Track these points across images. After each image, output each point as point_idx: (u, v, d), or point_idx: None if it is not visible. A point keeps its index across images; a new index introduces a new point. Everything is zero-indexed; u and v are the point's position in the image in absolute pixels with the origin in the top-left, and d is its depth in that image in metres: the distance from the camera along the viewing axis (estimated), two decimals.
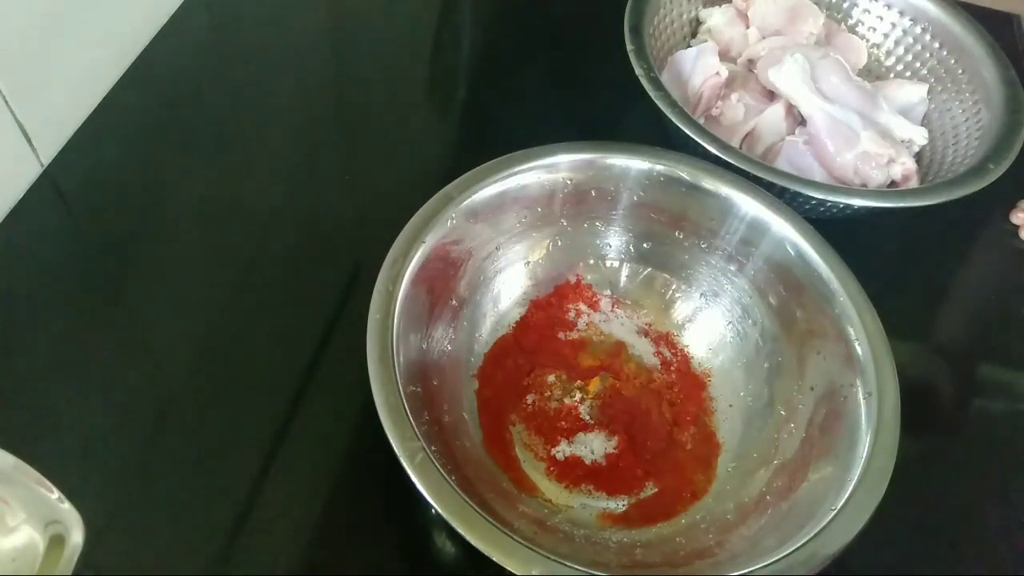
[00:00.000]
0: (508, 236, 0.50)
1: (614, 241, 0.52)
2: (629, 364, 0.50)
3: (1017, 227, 0.62)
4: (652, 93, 0.55)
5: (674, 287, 0.52)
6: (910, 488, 0.40)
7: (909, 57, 0.66)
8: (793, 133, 0.60)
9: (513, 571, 0.33)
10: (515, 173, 0.48)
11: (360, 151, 0.63)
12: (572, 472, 0.45)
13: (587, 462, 0.46)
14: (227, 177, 0.59)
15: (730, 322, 0.50)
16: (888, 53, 0.68)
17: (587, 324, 0.52)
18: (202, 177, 0.58)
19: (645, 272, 0.53)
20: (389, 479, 0.44)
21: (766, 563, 0.35)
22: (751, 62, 0.65)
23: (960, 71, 0.62)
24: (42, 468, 0.36)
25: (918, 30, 0.65)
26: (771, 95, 0.62)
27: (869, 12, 0.68)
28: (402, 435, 0.36)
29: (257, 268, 0.53)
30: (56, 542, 0.34)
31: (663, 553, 0.41)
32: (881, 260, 0.60)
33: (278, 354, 0.49)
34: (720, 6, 0.68)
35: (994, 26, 0.63)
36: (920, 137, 0.60)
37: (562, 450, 0.46)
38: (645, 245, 0.52)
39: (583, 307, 0.52)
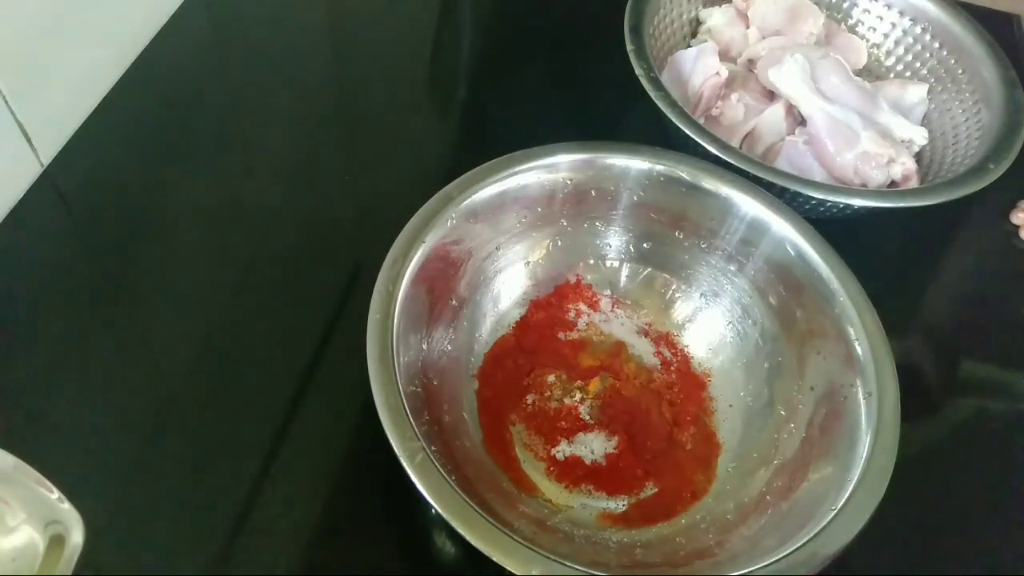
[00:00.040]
0: (508, 236, 0.50)
1: (614, 241, 0.52)
2: (629, 364, 0.50)
3: (1017, 227, 0.62)
4: (652, 93, 0.55)
5: (674, 287, 0.52)
6: (910, 488, 0.40)
7: (909, 57, 0.66)
8: (793, 133, 0.60)
9: (513, 571, 0.33)
10: (515, 173, 0.48)
11: (360, 151, 0.63)
12: (572, 472, 0.45)
13: (587, 462, 0.46)
14: (227, 177, 0.59)
15: (730, 322, 0.50)
16: (888, 53, 0.68)
17: (587, 324, 0.52)
18: (202, 177, 0.58)
19: (645, 272, 0.53)
20: (389, 479, 0.44)
21: (766, 563, 0.35)
22: (751, 62, 0.65)
23: (960, 71, 0.62)
24: (42, 468, 0.36)
25: (918, 30, 0.65)
26: (771, 95, 0.62)
27: (869, 12, 0.68)
28: (402, 435, 0.36)
29: (257, 268, 0.53)
30: (56, 542, 0.34)
31: (663, 553, 0.41)
32: (881, 260, 0.60)
33: (278, 354, 0.49)
34: (720, 6, 0.68)
35: (994, 26, 0.63)
36: (920, 137, 0.60)
37: (562, 450, 0.46)
38: (645, 245, 0.52)
39: (583, 307, 0.52)
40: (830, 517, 0.36)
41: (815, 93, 0.58)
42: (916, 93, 0.63)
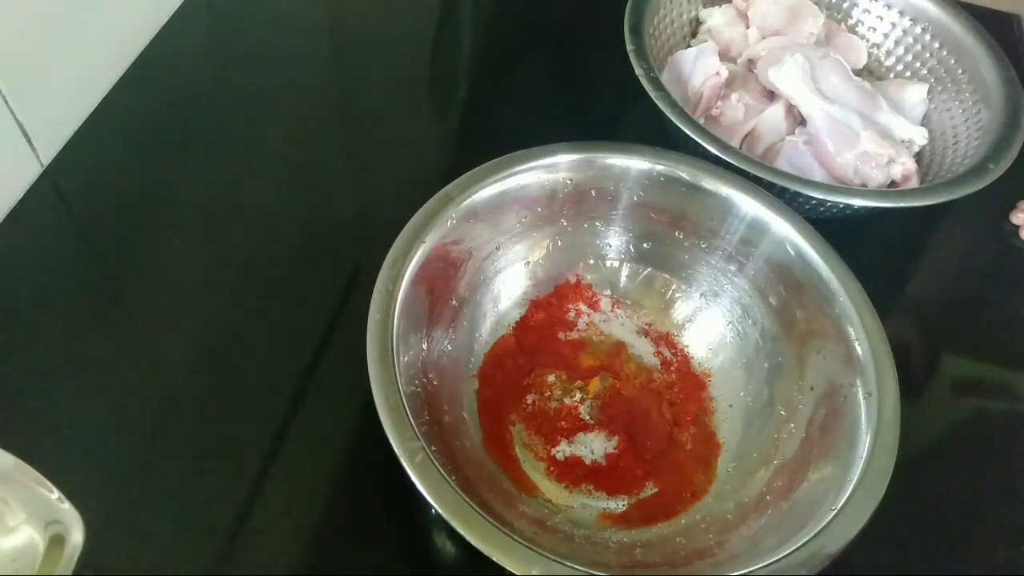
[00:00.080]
0: (508, 236, 0.50)
1: (614, 241, 0.52)
2: (629, 364, 0.50)
3: (1017, 227, 0.62)
4: (652, 93, 0.55)
5: (674, 287, 0.52)
6: (910, 488, 0.40)
7: (909, 57, 0.66)
8: (793, 133, 0.60)
9: (513, 571, 0.33)
10: (515, 173, 0.48)
11: (360, 151, 0.63)
12: (572, 472, 0.45)
13: (587, 462, 0.46)
14: (227, 177, 0.59)
15: (730, 322, 0.50)
16: (888, 53, 0.68)
17: (587, 324, 0.52)
18: (202, 177, 0.58)
19: (645, 272, 0.53)
20: (389, 479, 0.44)
21: (766, 563, 0.35)
22: (751, 62, 0.65)
23: (960, 71, 0.62)
24: (42, 468, 0.36)
25: (918, 30, 0.65)
26: (771, 95, 0.62)
27: (869, 12, 0.68)
28: (402, 435, 0.36)
29: (257, 268, 0.53)
30: (56, 542, 0.34)
31: (663, 553, 0.41)
32: (881, 260, 0.60)
33: (278, 354, 0.49)
34: (720, 6, 0.68)
35: (994, 26, 0.63)
36: (920, 137, 0.60)
37: (562, 450, 0.46)
38: (645, 245, 0.52)
39: (583, 307, 0.52)
40: (830, 517, 0.36)
41: (815, 93, 0.58)
42: (916, 93, 0.63)
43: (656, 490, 0.45)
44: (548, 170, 0.49)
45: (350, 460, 0.45)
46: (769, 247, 0.48)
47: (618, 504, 0.44)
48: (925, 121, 0.63)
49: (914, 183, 0.57)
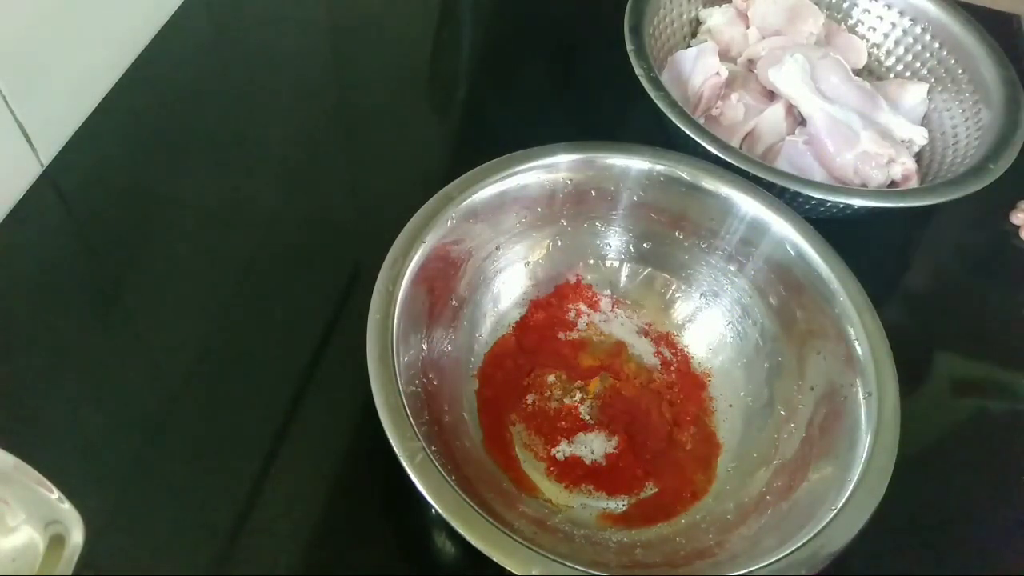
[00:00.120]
0: (508, 236, 0.50)
1: (614, 241, 0.52)
2: (629, 364, 0.50)
3: (1017, 227, 0.62)
4: (652, 93, 0.55)
5: (674, 287, 0.52)
6: (910, 488, 0.40)
7: (909, 57, 0.66)
8: (793, 133, 0.60)
9: (513, 571, 0.33)
10: (515, 173, 0.48)
11: (360, 151, 0.63)
12: (572, 472, 0.45)
13: (587, 462, 0.46)
14: (227, 177, 0.59)
15: (730, 322, 0.50)
16: (888, 53, 0.68)
17: (587, 324, 0.52)
18: (202, 177, 0.58)
19: (645, 272, 0.53)
20: (389, 479, 0.44)
21: (766, 563, 0.35)
22: (751, 62, 0.65)
23: (960, 71, 0.62)
24: (42, 468, 0.36)
25: (918, 30, 0.65)
26: (771, 95, 0.62)
27: (869, 12, 0.68)
28: (402, 435, 0.36)
29: (257, 268, 0.53)
30: (56, 542, 0.34)
31: (663, 553, 0.41)
32: (881, 260, 0.60)
33: (278, 354, 0.49)
34: (720, 6, 0.68)
35: (994, 26, 0.63)
36: (920, 137, 0.60)
37: (562, 450, 0.46)
38: (645, 245, 0.52)
39: (583, 307, 0.52)
40: (830, 517, 0.36)
41: (815, 93, 0.58)
42: (916, 93, 0.63)
43: (656, 490, 0.45)
44: (548, 170, 0.49)
45: (350, 460, 0.45)
46: (769, 247, 0.48)
47: (618, 504, 0.44)
48: (925, 121, 0.63)
49: (914, 183, 0.57)
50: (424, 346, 0.44)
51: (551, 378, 0.49)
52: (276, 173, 0.60)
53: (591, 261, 0.53)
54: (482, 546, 0.34)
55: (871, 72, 0.68)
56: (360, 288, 0.52)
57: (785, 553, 0.35)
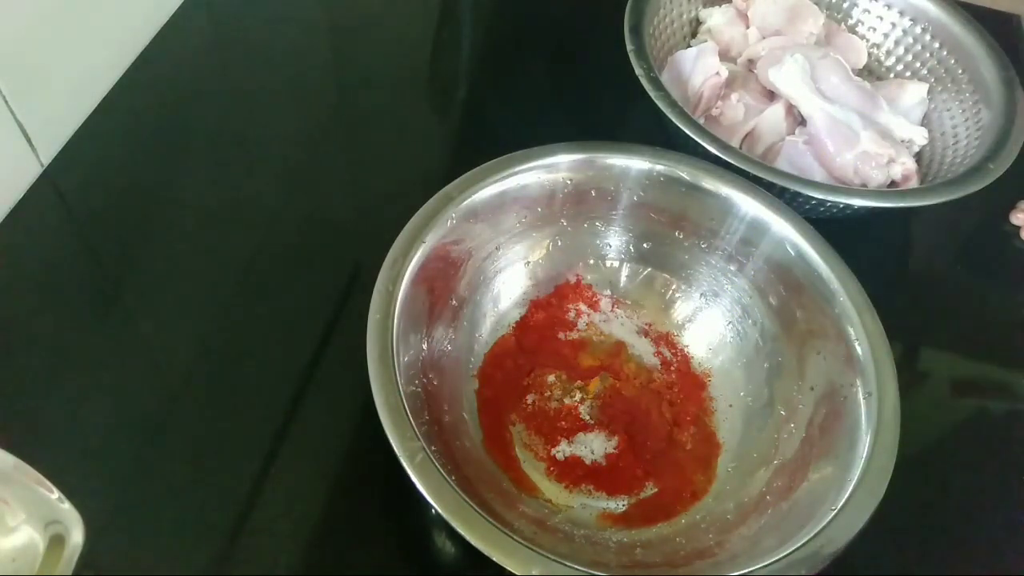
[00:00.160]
0: (508, 236, 0.50)
1: (614, 241, 0.52)
2: (629, 364, 0.50)
3: (1018, 227, 0.62)
4: (652, 93, 0.55)
5: (674, 287, 0.52)
6: (910, 488, 0.40)
7: (909, 57, 0.66)
8: (793, 133, 0.60)
9: (513, 571, 0.33)
10: (515, 173, 0.48)
11: (360, 151, 0.63)
12: (572, 472, 0.45)
13: (587, 462, 0.46)
14: (227, 177, 0.59)
15: (730, 322, 0.50)
16: (888, 53, 0.68)
17: (587, 324, 0.52)
18: (202, 177, 0.58)
19: (645, 272, 0.53)
20: (389, 479, 0.44)
21: (766, 563, 0.35)
22: (751, 62, 0.65)
23: (960, 71, 0.62)
24: (42, 468, 0.36)
25: (918, 30, 0.65)
26: (771, 95, 0.62)
27: (869, 12, 0.68)
28: (402, 435, 0.36)
29: (257, 268, 0.53)
30: (56, 542, 0.34)
31: (663, 553, 0.41)
32: (881, 260, 0.60)
33: (278, 354, 0.49)
34: (720, 6, 0.68)
35: (994, 26, 0.63)
36: (920, 137, 0.60)
37: (562, 450, 0.46)
38: (645, 245, 0.52)
39: (583, 307, 0.52)
40: (830, 517, 0.36)
41: (815, 93, 0.58)
42: (916, 93, 0.63)
43: (656, 490, 0.45)
44: (548, 170, 0.49)
45: (350, 460, 0.45)
46: (769, 247, 0.48)
47: (618, 504, 0.44)
48: (925, 121, 0.63)
49: (914, 183, 0.57)
50: (424, 346, 0.44)
51: (551, 378, 0.49)
52: (276, 173, 0.60)
53: (591, 261, 0.53)
54: (482, 546, 0.34)
55: (871, 72, 0.68)
56: (360, 288, 0.52)
57: (785, 553, 0.35)
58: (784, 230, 0.47)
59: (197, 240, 0.54)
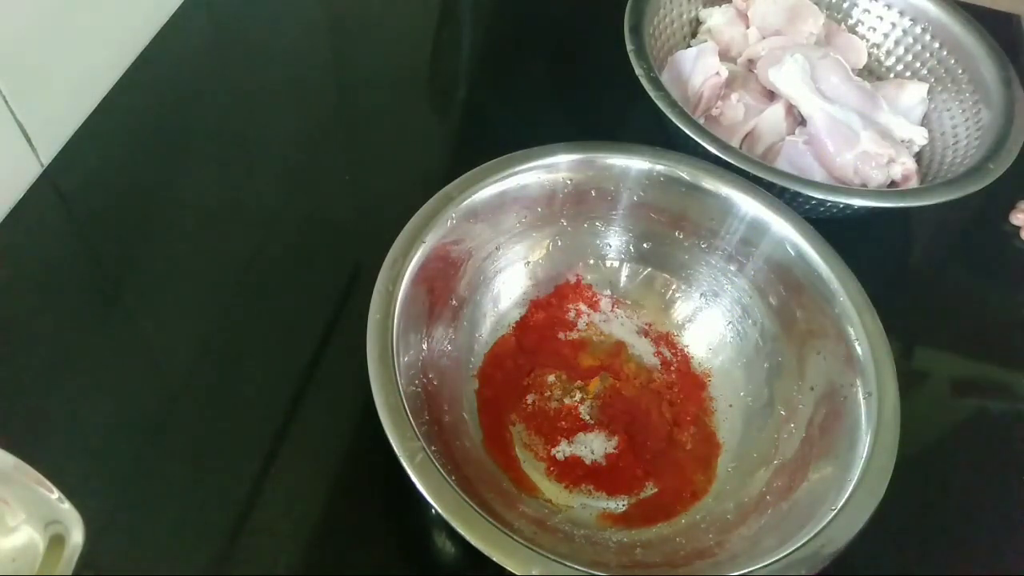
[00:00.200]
0: (508, 236, 0.50)
1: (614, 241, 0.52)
2: (629, 364, 0.50)
3: (1018, 228, 0.62)
4: (652, 93, 0.55)
5: (674, 287, 0.52)
6: (910, 488, 0.40)
7: (909, 57, 0.66)
8: (793, 133, 0.60)
9: (513, 571, 0.33)
10: (515, 173, 0.48)
11: (360, 151, 0.63)
12: (572, 472, 0.45)
13: (587, 462, 0.46)
14: (227, 177, 0.59)
15: (730, 322, 0.50)
16: (888, 53, 0.68)
17: (587, 324, 0.52)
18: (202, 177, 0.58)
19: (645, 272, 0.53)
20: (389, 479, 0.44)
21: (766, 563, 0.35)
22: (751, 62, 0.65)
23: (960, 71, 0.62)
24: (42, 468, 0.36)
25: (918, 30, 0.65)
26: (771, 95, 0.62)
27: (869, 12, 0.68)
28: (402, 435, 0.36)
29: (257, 268, 0.53)
30: (56, 542, 0.34)
31: (663, 553, 0.41)
32: (881, 260, 0.60)
33: (278, 354, 0.49)
34: (720, 6, 0.68)
35: (994, 26, 0.63)
36: (920, 137, 0.60)
37: (562, 450, 0.46)
38: (645, 245, 0.52)
39: (583, 307, 0.52)
40: (830, 517, 0.36)
41: (815, 93, 0.58)
42: (916, 93, 0.63)
43: (656, 490, 0.45)
44: (548, 170, 0.49)
45: (350, 460, 0.45)
46: (769, 247, 0.48)
47: (618, 504, 0.44)
48: (925, 121, 0.63)
49: (914, 183, 0.57)
50: (424, 346, 0.44)
51: (551, 378, 0.49)
52: (276, 173, 0.60)
53: (591, 261, 0.53)
54: (482, 546, 0.34)
55: (871, 72, 0.68)
56: (360, 288, 0.52)
57: (785, 553, 0.35)
58: (784, 230, 0.47)
59: (197, 240, 0.54)
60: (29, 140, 0.54)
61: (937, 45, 0.64)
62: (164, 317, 0.50)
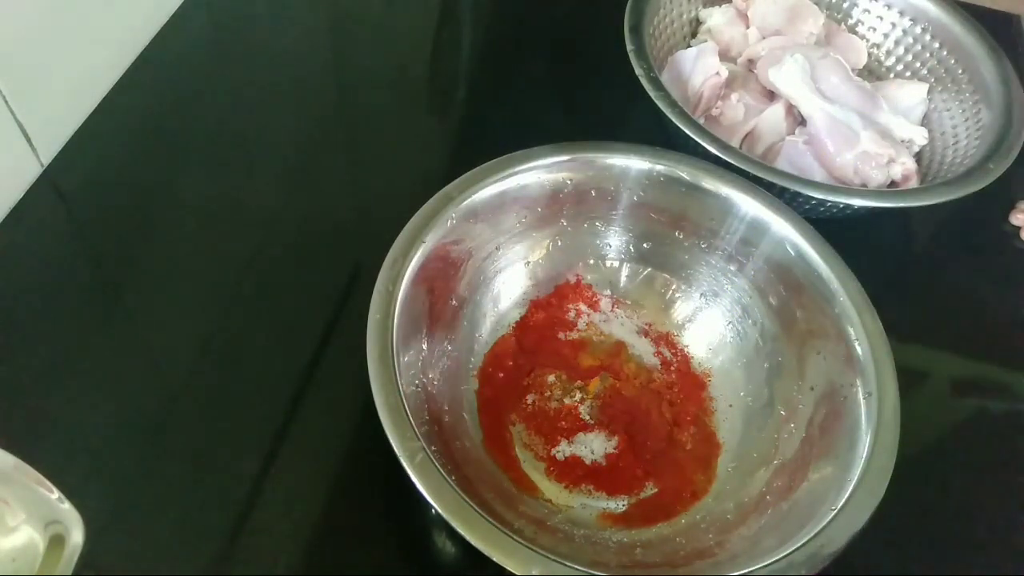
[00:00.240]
0: (508, 236, 0.50)
1: (614, 241, 0.52)
2: (629, 364, 0.50)
3: (1018, 228, 0.62)
4: (652, 93, 0.55)
5: (674, 287, 0.52)
6: (910, 488, 0.40)
7: (909, 57, 0.66)
8: (793, 133, 0.60)
9: (513, 571, 0.33)
10: (515, 173, 0.48)
11: (360, 151, 0.63)
12: (572, 472, 0.45)
13: (587, 462, 0.46)
14: (227, 177, 0.59)
15: (730, 322, 0.50)
16: (888, 53, 0.68)
17: (587, 324, 0.52)
18: (202, 177, 0.58)
19: (645, 272, 0.53)
20: (389, 479, 0.44)
21: (766, 563, 0.35)
22: (751, 62, 0.65)
23: (960, 71, 0.62)
24: (42, 468, 0.36)
25: (918, 30, 0.65)
26: (771, 95, 0.62)
27: (869, 12, 0.68)
28: (402, 435, 0.36)
29: (257, 268, 0.53)
30: (56, 542, 0.34)
31: (663, 553, 0.41)
32: (881, 260, 0.60)
33: (278, 354, 0.49)
34: (720, 6, 0.68)
35: (994, 26, 0.63)
36: (920, 137, 0.60)
37: (562, 450, 0.46)
38: (645, 245, 0.52)
39: (583, 307, 0.52)
40: (830, 517, 0.36)
41: (815, 93, 0.58)
42: (916, 93, 0.63)
43: (656, 490, 0.45)
44: (548, 170, 0.49)
45: (350, 460, 0.45)
46: (769, 247, 0.48)
47: (618, 504, 0.44)
48: (925, 121, 0.63)
49: (914, 183, 0.57)
50: (424, 346, 0.44)
51: (551, 378, 0.49)
52: (276, 173, 0.60)
53: (591, 261, 0.53)
54: (482, 546, 0.34)
55: (871, 72, 0.68)
56: (360, 288, 0.52)
57: (785, 553, 0.35)
58: (784, 230, 0.47)
59: (197, 240, 0.54)
60: (29, 140, 0.54)
61: (937, 45, 0.64)
62: (164, 317, 0.50)
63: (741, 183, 0.49)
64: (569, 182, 0.50)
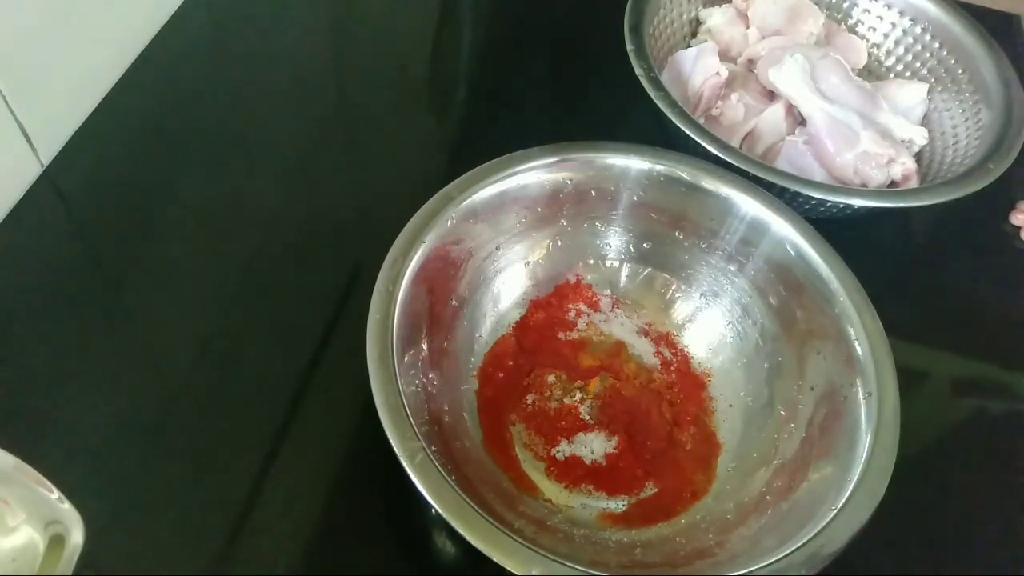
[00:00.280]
0: (508, 236, 0.50)
1: (614, 241, 0.52)
2: (629, 364, 0.50)
3: (1018, 228, 0.62)
4: (652, 93, 0.55)
5: (674, 287, 0.52)
6: (910, 488, 0.40)
7: (909, 57, 0.66)
8: (793, 133, 0.60)
9: (513, 571, 0.33)
10: (515, 173, 0.48)
11: (360, 151, 0.63)
12: (572, 472, 0.45)
13: (587, 462, 0.46)
14: (227, 177, 0.59)
15: (730, 322, 0.50)
16: (888, 53, 0.68)
17: (587, 324, 0.52)
18: (202, 177, 0.58)
19: (645, 272, 0.53)
20: (389, 479, 0.44)
21: (766, 563, 0.35)
22: (751, 62, 0.65)
23: (960, 71, 0.62)
24: (42, 468, 0.36)
25: (918, 30, 0.65)
26: (771, 95, 0.62)
27: (869, 12, 0.68)
28: (402, 435, 0.36)
29: (257, 268, 0.53)
30: (56, 542, 0.34)
31: (663, 553, 0.41)
32: (881, 260, 0.60)
33: (278, 354, 0.49)
34: (720, 6, 0.68)
35: (994, 26, 0.63)
36: (920, 137, 0.60)
37: (562, 450, 0.46)
38: (645, 245, 0.52)
39: (583, 307, 0.52)
40: (830, 517, 0.36)
41: (815, 93, 0.58)
42: (916, 93, 0.63)
43: (656, 490, 0.45)
44: (548, 170, 0.49)
45: (350, 460, 0.45)
46: (769, 247, 0.48)
47: (618, 504, 0.44)
48: (925, 121, 0.63)
49: (914, 183, 0.57)
50: (424, 346, 0.44)
51: (551, 378, 0.49)
52: (276, 173, 0.60)
53: (591, 261, 0.53)
54: (482, 546, 0.34)
55: (871, 72, 0.68)
56: (360, 288, 0.52)
57: (785, 553, 0.35)
58: (784, 230, 0.47)
59: (197, 240, 0.54)
60: (29, 140, 0.54)
61: (937, 45, 0.64)
62: (164, 317, 0.50)
63: (741, 183, 0.49)
64: (569, 182, 0.50)
